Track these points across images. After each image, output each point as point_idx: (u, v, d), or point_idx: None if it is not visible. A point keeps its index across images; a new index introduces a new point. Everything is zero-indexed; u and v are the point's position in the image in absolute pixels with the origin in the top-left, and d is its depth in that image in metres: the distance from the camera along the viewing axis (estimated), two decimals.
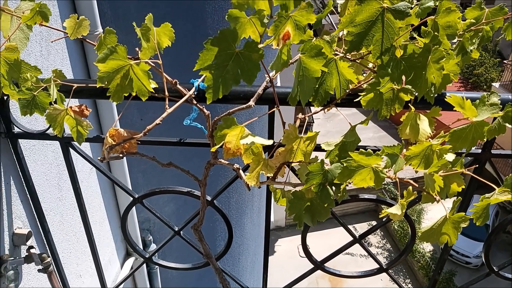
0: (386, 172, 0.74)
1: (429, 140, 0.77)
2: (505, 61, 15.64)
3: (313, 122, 14.90)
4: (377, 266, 1.39)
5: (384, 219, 1.30)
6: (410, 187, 0.75)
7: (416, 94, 0.86)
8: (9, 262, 1.15)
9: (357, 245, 1.38)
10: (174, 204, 2.43)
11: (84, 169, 1.78)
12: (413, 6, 0.98)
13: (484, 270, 1.43)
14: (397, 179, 0.75)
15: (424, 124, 0.84)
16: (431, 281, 1.47)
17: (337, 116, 15.97)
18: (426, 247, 12.08)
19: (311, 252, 1.36)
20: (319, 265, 1.38)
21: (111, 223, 2.16)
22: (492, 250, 1.32)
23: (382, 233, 13.01)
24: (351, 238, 1.37)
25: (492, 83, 15.40)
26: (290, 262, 11.23)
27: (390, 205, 1.20)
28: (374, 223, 12.80)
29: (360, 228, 12.51)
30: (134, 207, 2.33)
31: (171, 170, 1.91)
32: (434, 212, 11.87)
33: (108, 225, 2.13)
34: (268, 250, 1.35)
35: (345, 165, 0.73)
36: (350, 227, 1.37)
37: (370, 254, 1.39)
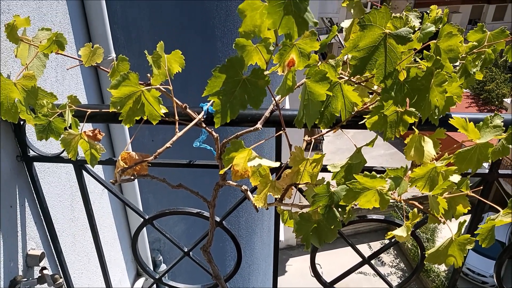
0: (391, 194, 0.76)
1: (434, 162, 0.79)
2: None
3: (323, 140, 14.87)
4: (387, 287, 1.38)
5: (393, 240, 1.30)
6: (416, 209, 0.76)
7: (420, 116, 0.88)
8: (22, 283, 1.17)
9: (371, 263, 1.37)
10: (184, 224, 2.44)
11: (96, 190, 1.81)
12: (416, 30, 1.00)
13: None
14: (402, 201, 0.76)
15: (428, 146, 0.85)
16: None
17: (348, 133, 15.92)
18: (441, 266, 11.81)
19: (322, 271, 1.36)
20: (328, 287, 1.37)
21: (122, 243, 2.18)
22: (508, 269, 1.30)
23: (395, 252, 12.78)
24: (356, 269, 1.36)
25: (504, 99, 15.29)
26: (302, 282, 11.05)
27: (399, 225, 1.21)
28: (387, 241, 12.58)
29: (373, 246, 12.32)
30: (145, 228, 2.36)
31: (181, 190, 1.92)
32: (448, 231, 11.62)
33: (119, 245, 2.15)
34: (277, 271, 1.35)
35: (350, 187, 0.74)
36: (363, 245, 1.38)
37: (379, 275, 1.38)
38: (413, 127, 0.87)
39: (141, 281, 2.44)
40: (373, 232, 13.18)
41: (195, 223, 2.47)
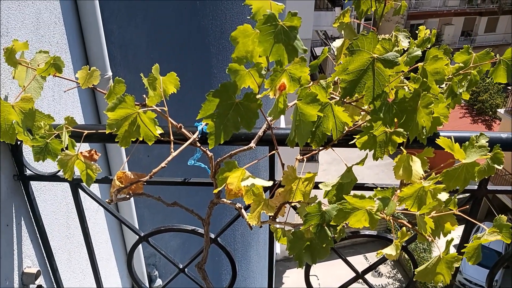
0: (380, 213, 0.78)
1: (421, 182, 0.81)
2: (509, 87, 15.72)
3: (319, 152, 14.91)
4: None
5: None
6: (404, 228, 0.78)
7: (408, 136, 0.91)
8: None
9: (367, 275, 1.38)
10: (180, 238, 2.45)
11: (92, 206, 1.82)
12: (404, 51, 1.04)
13: None
14: (391, 220, 0.78)
15: (416, 166, 0.88)
16: None
17: (339, 150, 15.95)
18: None
19: (320, 283, 1.37)
20: None
21: (117, 259, 2.18)
22: (507, 279, 1.32)
23: (392, 262, 12.73)
24: (360, 267, 1.37)
25: (497, 109, 15.44)
26: None
27: (390, 240, 1.22)
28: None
29: (370, 257, 12.29)
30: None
31: (179, 200, 1.91)
32: (444, 241, 11.63)
33: (115, 261, 2.15)
34: (272, 284, 1.36)
35: (340, 207, 0.76)
36: (359, 256, 1.39)
37: None
38: (401, 147, 0.90)
39: None
40: (370, 243, 13.15)
41: (190, 238, 2.48)
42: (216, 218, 1.17)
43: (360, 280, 1.36)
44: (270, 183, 0.94)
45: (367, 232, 1.24)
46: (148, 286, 2.46)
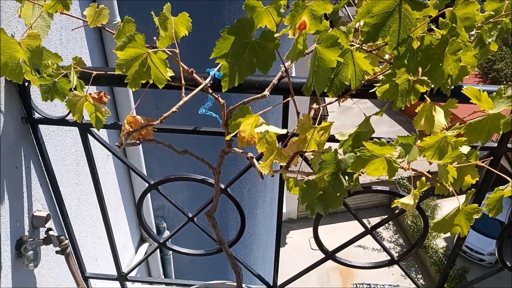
0: (400, 162, 0.75)
1: (444, 132, 0.77)
2: None
3: (328, 115, 14.81)
4: (388, 258, 1.40)
5: (396, 211, 1.30)
6: (424, 178, 0.76)
7: (432, 86, 0.86)
8: (28, 243, 1.19)
9: (369, 239, 1.38)
10: (188, 193, 2.46)
11: (101, 155, 1.82)
12: None
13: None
14: (411, 170, 0.75)
15: (439, 116, 0.84)
16: (442, 274, 1.46)
17: (352, 110, 15.84)
18: (440, 243, 11.97)
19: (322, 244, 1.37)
20: (330, 255, 1.39)
21: (126, 210, 2.21)
22: (505, 249, 1.31)
23: (395, 228, 12.92)
24: (359, 239, 1.37)
25: None
26: (302, 254, 11.25)
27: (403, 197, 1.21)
28: (386, 216, 12.69)
29: (373, 222, 12.44)
30: (149, 194, 2.38)
31: (186, 159, 1.92)
32: (448, 208, 11.69)
33: (124, 211, 2.17)
34: (280, 239, 1.36)
35: (358, 154, 0.73)
36: (363, 220, 1.38)
37: (382, 245, 1.39)
38: (425, 95, 0.85)
39: (145, 246, 2.49)
40: (374, 208, 13.30)
41: (198, 193, 2.49)
42: (224, 176, 1.14)
43: (364, 247, 1.36)
44: (284, 131, 0.91)
45: (379, 188, 1.21)
46: (156, 233, 2.51)
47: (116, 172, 2.00)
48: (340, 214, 12.67)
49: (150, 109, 2.05)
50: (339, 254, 1.40)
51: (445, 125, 0.83)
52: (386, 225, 12.71)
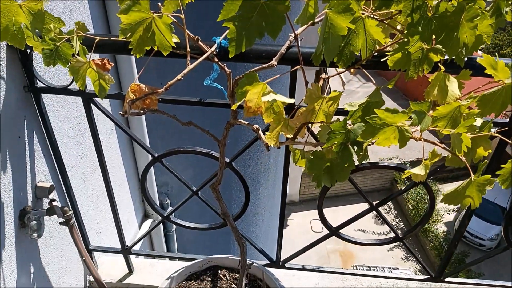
0: (412, 132, 0.72)
1: (458, 101, 0.75)
2: None
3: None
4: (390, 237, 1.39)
5: (404, 188, 1.29)
6: (435, 148, 0.74)
7: (446, 57, 0.83)
8: (32, 213, 1.18)
9: (370, 222, 1.37)
10: (193, 171, 2.46)
11: (104, 129, 1.80)
12: None
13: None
14: (422, 139, 0.73)
15: (453, 86, 0.81)
16: (447, 253, 1.46)
17: (356, 94, 15.73)
18: (440, 227, 12.03)
19: (323, 227, 1.36)
20: (334, 231, 1.38)
21: (130, 185, 2.21)
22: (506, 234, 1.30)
23: (396, 212, 12.98)
24: (364, 217, 1.36)
25: None
26: (303, 236, 11.34)
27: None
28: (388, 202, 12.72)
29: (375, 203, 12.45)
30: (152, 170, 2.37)
31: (189, 136, 1.91)
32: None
33: (127, 187, 2.17)
34: (284, 212, 1.35)
35: (369, 122, 0.71)
36: (364, 204, 1.37)
37: (386, 222, 1.38)
38: (439, 64, 0.83)
39: (148, 222, 2.49)
40: (376, 192, 13.32)
41: (202, 170, 2.48)
42: (229, 153, 1.12)
43: (364, 231, 1.35)
44: (292, 100, 0.89)
45: (386, 163, 1.20)
46: (159, 206, 2.51)
47: (120, 147, 1.99)
48: (342, 197, 12.72)
49: (154, 84, 2.03)
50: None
51: (458, 95, 0.80)
52: (387, 209, 12.76)
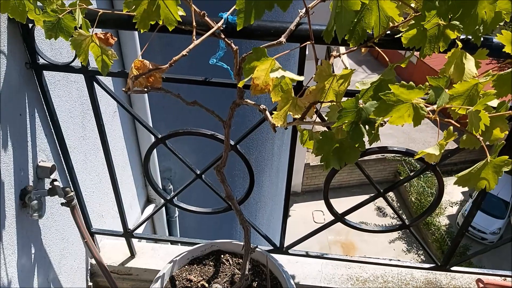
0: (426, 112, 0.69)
1: (477, 79, 0.72)
2: None
3: None
4: (392, 225, 1.37)
5: (412, 174, 1.26)
6: (451, 128, 0.71)
7: (462, 36, 0.80)
8: (33, 192, 1.17)
9: (371, 216, 1.36)
10: (196, 156, 2.43)
11: (107, 111, 1.78)
12: None
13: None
14: (438, 118, 0.70)
15: (470, 64, 0.78)
16: (454, 242, 1.43)
17: (359, 76, 15.61)
18: (442, 220, 12.01)
19: (325, 218, 1.34)
20: (339, 217, 1.36)
21: (133, 169, 2.19)
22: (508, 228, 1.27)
23: (398, 204, 12.95)
24: (367, 210, 1.34)
25: None
26: (305, 227, 11.35)
27: (421, 159, 1.16)
28: (391, 194, 12.70)
29: (378, 199, 12.41)
30: (156, 154, 2.35)
31: (193, 121, 1.87)
32: (453, 187, 11.69)
33: (130, 171, 2.15)
34: (289, 197, 1.33)
35: (383, 98, 0.68)
36: (367, 196, 1.35)
37: (393, 209, 1.36)
38: (456, 40, 0.79)
39: (151, 207, 2.48)
40: (379, 184, 13.25)
41: (206, 156, 2.46)
42: (232, 135, 1.09)
43: (366, 223, 1.31)
44: (301, 78, 0.86)
45: (395, 148, 1.17)
46: (161, 187, 2.50)
47: (123, 130, 1.97)
48: (345, 189, 12.70)
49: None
50: (346, 237, 1.38)
51: (475, 73, 0.77)
52: (390, 201, 12.75)
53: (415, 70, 14.65)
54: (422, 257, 11.66)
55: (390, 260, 1.51)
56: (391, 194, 12.80)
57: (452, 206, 12.34)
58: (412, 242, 11.85)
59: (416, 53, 0.86)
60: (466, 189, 0.95)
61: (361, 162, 1.06)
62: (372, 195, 1.34)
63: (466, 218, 1.32)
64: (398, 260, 1.47)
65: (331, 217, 1.38)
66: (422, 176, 12.25)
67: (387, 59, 0.90)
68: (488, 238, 11.36)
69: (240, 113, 2.62)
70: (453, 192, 12.44)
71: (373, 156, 11.74)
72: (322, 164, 0.89)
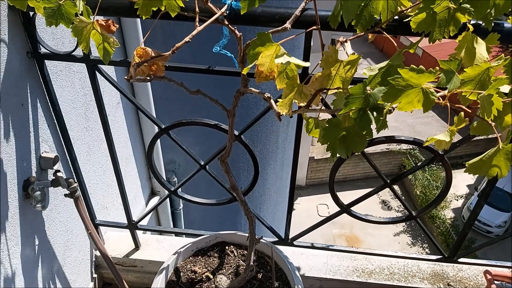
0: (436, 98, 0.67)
1: (489, 63, 0.69)
2: None
3: None
4: (395, 218, 1.35)
5: (419, 164, 1.23)
6: (462, 114, 0.68)
7: (472, 22, 0.78)
8: (36, 183, 1.16)
9: (376, 209, 1.34)
10: (200, 148, 2.42)
11: (110, 102, 1.76)
12: None
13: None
14: (448, 103, 0.67)
15: (481, 48, 0.76)
16: (461, 234, 1.41)
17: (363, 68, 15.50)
18: (448, 214, 11.97)
19: (329, 211, 1.33)
20: (345, 208, 1.34)
21: (137, 161, 2.18)
22: None
23: (403, 197, 12.91)
24: (371, 199, 1.32)
25: None
26: (309, 220, 11.34)
27: (429, 149, 1.14)
28: (396, 187, 12.65)
29: (382, 192, 12.40)
30: (160, 146, 2.34)
31: (197, 112, 1.84)
32: (458, 180, 11.63)
33: (134, 163, 2.14)
34: (294, 187, 1.31)
35: (392, 83, 0.66)
36: (371, 190, 1.33)
37: (400, 200, 1.34)
38: (467, 24, 0.77)
39: (155, 199, 2.48)
40: None
41: (210, 148, 2.45)
42: (236, 126, 1.08)
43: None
44: (307, 64, 0.84)
45: (403, 137, 1.14)
46: (166, 180, 2.49)
47: (126, 121, 1.96)
48: (349, 182, 12.66)
49: None
50: (349, 230, 1.36)
51: (487, 58, 0.75)
52: (396, 191, 12.69)
53: (420, 62, 14.54)
54: (427, 250, 11.64)
55: (396, 252, 1.49)
56: (396, 187, 12.71)
57: (457, 200, 12.28)
58: (417, 235, 11.82)
59: (421, 45, 0.84)
60: (471, 182, 0.92)
61: (373, 144, 1.04)
62: (381, 184, 1.31)
63: (474, 209, 1.30)
64: (404, 252, 1.45)
65: (335, 211, 1.37)
66: (427, 169, 12.23)
67: (396, 44, 0.88)
68: (494, 231, 11.31)
69: (244, 105, 2.60)
70: (459, 186, 12.37)
71: (378, 149, 11.69)
72: (326, 158, 0.88)
